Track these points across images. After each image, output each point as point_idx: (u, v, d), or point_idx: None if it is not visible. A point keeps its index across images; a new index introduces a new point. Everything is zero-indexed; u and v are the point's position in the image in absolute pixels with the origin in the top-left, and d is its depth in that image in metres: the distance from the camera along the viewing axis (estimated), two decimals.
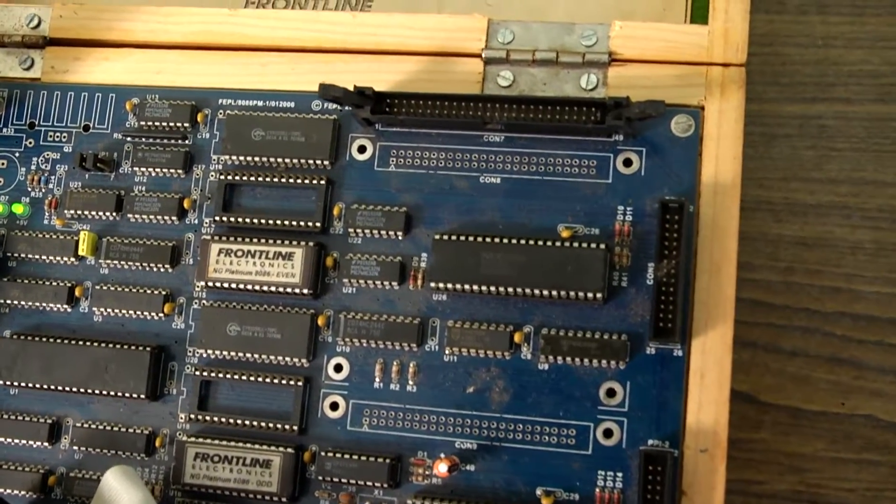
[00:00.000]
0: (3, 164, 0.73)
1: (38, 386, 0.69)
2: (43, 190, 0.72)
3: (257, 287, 0.66)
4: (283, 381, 0.66)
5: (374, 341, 0.65)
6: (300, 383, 0.65)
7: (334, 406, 0.66)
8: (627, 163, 0.65)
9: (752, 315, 0.73)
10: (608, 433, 0.63)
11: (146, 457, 0.67)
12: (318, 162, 0.67)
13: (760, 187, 0.75)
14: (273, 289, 0.66)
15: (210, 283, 0.67)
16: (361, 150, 0.68)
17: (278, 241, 0.67)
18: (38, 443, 0.68)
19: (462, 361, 0.64)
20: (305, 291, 0.66)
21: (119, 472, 0.63)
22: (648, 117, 0.62)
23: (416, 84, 0.68)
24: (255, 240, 0.67)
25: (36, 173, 0.72)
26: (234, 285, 0.67)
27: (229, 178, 0.68)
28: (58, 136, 0.72)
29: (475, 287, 0.64)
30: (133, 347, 0.67)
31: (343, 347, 0.66)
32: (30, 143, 0.73)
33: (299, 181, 0.67)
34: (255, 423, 0.66)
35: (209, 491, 0.65)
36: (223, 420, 0.66)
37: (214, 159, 0.70)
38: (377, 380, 0.65)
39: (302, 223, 0.67)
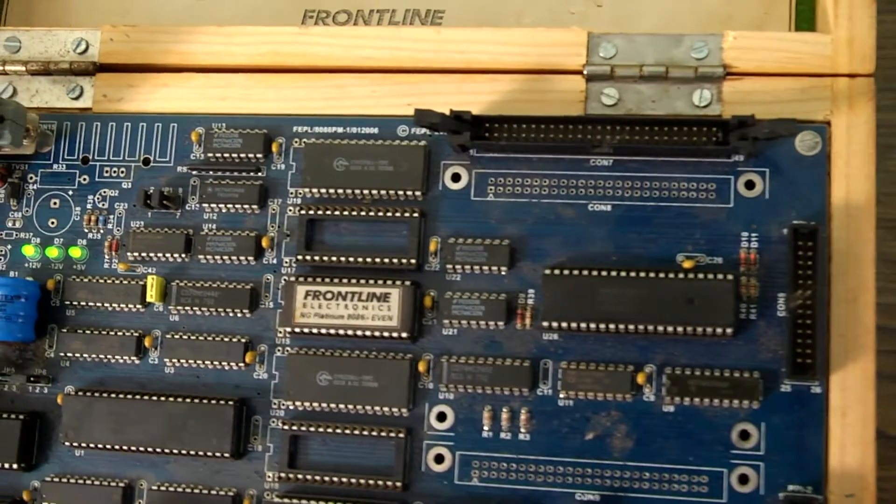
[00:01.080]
0: (55, 203, 0.69)
1: (107, 447, 0.65)
2: (101, 231, 0.69)
3: (350, 332, 0.64)
4: (383, 434, 0.63)
5: (480, 387, 0.63)
6: (401, 435, 0.63)
7: (439, 458, 0.63)
8: (750, 185, 0.62)
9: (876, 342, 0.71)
10: (744, 479, 0.60)
11: None
12: (410, 193, 0.65)
13: (878, 203, 0.72)
14: (368, 333, 0.63)
15: (297, 329, 0.64)
16: (455, 178, 0.65)
17: (371, 281, 0.64)
18: None
19: (579, 406, 0.62)
20: (404, 335, 0.63)
21: None
22: (778, 137, 0.59)
23: (511, 105, 0.65)
24: (344, 280, 0.64)
25: (93, 213, 0.69)
26: (323, 330, 0.64)
27: (311, 212, 0.65)
28: (115, 172, 0.69)
29: (592, 325, 0.61)
30: (213, 401, 0.64)
31: (446, 394, 0.63)
32: (84, 179, 0.69)
33: (389, 214, 0.65)
34: (352, 481, 0.63)
35: None
36: (316, 478, 0.63)
37: (292, 192, 0.67)
38: (486, 428, 0.63)
39: (395, 260, 0.64)
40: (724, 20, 0.70)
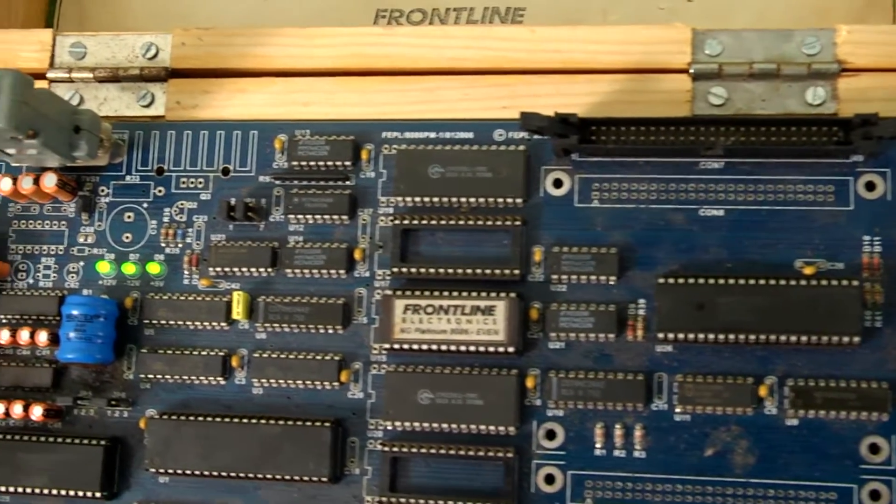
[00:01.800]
0: (129, 217, 0.68)
1: (195, 472, 0.64)
2: (180, 245, 0.67)
3: (453, 347, 0.62)
4: (490, 453, 0.62)
5: (591, 402, 0.61)
6: (510, 455, 0.61)
7: (550, 479, 0.62)
8: (870, 186, 0.61)
9: None
10: (875, 496, 0.59)
11: None
12: (510, 200, 0.63)
13: None
14: (472, 348, 0.62)
15: (395, 346, 0.63)
16: (557, 184, 0.64)
17: (473, 294, 0.62)
18: None
19: (697, 421, 0.61)
20: (511, 349, 0.62)
21: None
22: None
23: (612, 107, 0.64)
24: (444, 293, 0.63)
25: (170, 226, 0.67)
26: (424, 346, 0.62)
27: (405, 222, 0.64)
28: (192, 183, 0.68)
29: (709, 336, 0.60)
30: (308, 423, 0.63)
31: (555, 411, 0.62)
32: (159, 191, 0.68)
33: (489, 223, 0.63)
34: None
35: None
36: (419, 502, 0.62)
37: (383, 201, 0.65)
38: (598, 446, 0.62)
39: (497, 271, 0.63)
40: (821, 13, 0.70)
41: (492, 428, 0.62)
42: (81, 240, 0.68)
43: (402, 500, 0.62)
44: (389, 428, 0.63)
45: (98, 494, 0.64)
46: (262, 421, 0.63)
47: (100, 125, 0.66)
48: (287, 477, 0.63)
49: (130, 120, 0.69)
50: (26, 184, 0.67)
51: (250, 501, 0.64)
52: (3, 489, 0.65)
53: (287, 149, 0.66)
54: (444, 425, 0.62)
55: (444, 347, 0.62)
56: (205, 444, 0.64)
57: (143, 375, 0.66)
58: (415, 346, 0.63)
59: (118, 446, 0.66)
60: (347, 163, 0.65)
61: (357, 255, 0.64)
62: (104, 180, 0.68)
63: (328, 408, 0.64)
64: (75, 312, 0.65)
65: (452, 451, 0.62)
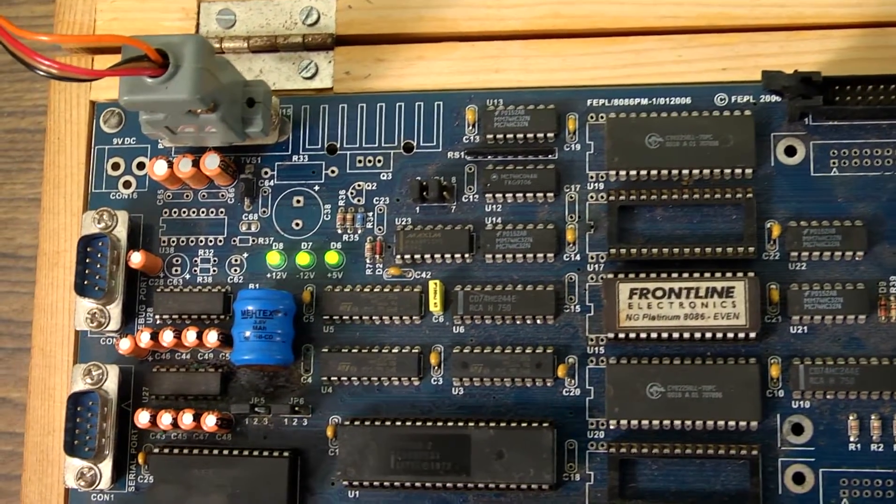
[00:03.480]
0: (298, 201, 0.66)
1: (394, 485, 0.62)
2: (360, 231, 0.65)
3: (686, 334, 0.60)
4: (731, 452, 0.60)
5: (843, 391, 0.60)
6: (754, 452, 0.59)
7: (799, 478, 0.60)
8: None
9: None
10: None
11: None
12: (739, 171, 0.62)
13: None
14: (707, 335, 0.60)
15: (621, 335, 0.61)
16: (790, 152, 0.63)
17: (707, 275, 0.60)
18: None
19: None
20: (752, 335, 0.60)
21: None
22: None
23: (847, 65, 0.63)
24: (674, 275, 0.61)
25: (347, 210, 0.65)
26: (653, 334, 0.60)
27: (621, 198, 0.62)
28: (370, 161, 0.65)
29: None
30: (525, 424, 0.61)
31: (801, 402, 0.61)
32: (332, 171, 0.66)
33: (717, 196, 0.61)
34: None
35: None
36: None
37: (591, 176, 0.64)
38: (852, 440, 0.60)
39: (728, 250, 0.61)
40: None
41: (731, 423, 0.60)
42: (244, 228, 0.66)
43: None
44: (613, 427, 0.61)
45: None
46: (471, 424, 0.61)
47: (271, 98, 0.63)
48: (503, 485, 0.60)
49: (295, 94, 0.67)
50: (184, 167, 0.64)
51: None
52: None
53: (480, 121, 0.64)
54: (678, 422, 0.61)
55: (675, 335, 0.60)
56: (403, 452, 0.61)
57: (324, 378, 0.63)
58: (642, 335, 0.60)
59: (297, 458, 0.63)
60: (550, 134, 0.63)
61: (569, 235, 0.62)
62: (267, 161, 0.66)
63: (540, 408, 0.62)
64: (251, 308, 0.62)
65: (689, 451, 0.60)
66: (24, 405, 0.67)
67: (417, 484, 0.62)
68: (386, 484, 0.62)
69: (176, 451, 0.63)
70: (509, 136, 0.64)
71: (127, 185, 0.67)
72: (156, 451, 0.64)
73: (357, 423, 0.62)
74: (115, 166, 0.68)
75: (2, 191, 0.80)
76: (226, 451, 0.63)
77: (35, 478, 0.66)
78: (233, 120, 0.62)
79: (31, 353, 0.67)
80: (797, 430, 0.61)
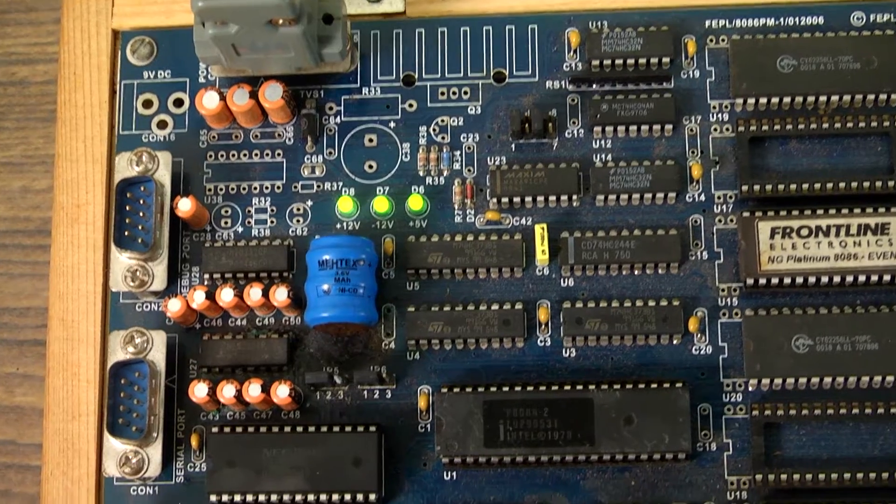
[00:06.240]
0: (371, 140, 0.65)
1: (502, 461, 0.60)
2: (446, 172, 0.65)
3: (837, 278, 0.60)
4: (890, 411, 0.60)
5: None
6: None
7: None
8: None
9: None
10: None
11: None
12: (884, 96, 0.62)
13: None
14: (861, 278, 0.60)
15: (762, 280, 0.60)
16: None
17: (857, 211, 0.61)
18: None
19: None
20: None
21: None
22: None
23: None
24: (819, 211, 0.61)
25: (429, 149, 0.65)
26: (799, 279, 0.60)
27: (751, 129, 0.62)
28: (455, 94, 0.65)
29: None
30: (656, 386, 0.60)
31: None
32: (410, 105, 0.65)
33: (860, 125, 0.62)
34: (846, 476, 0.60)
35: None
36: (804, 478, 0.60)
37: (714, 106, 0.64)
38: None
39: (876, 184, 0.62)
40: None
41: (890, 378, 0.61)
42: (306, 173, 0.65)
43: (783, 476, 0.59)
44: (753, 388, 0.60)
45: (372, 497, 0.59)
46: (591, 387, 0.60)
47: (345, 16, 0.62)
48: (631, 456, 0.60)
49: (362, 19, 0.66)
50: (240, 98, 0.63)
51: (577, 497, 0.61)
52: (251, 498, 0.60)
53: (584, 45, 0.64)
54: (828, 379, 0.61)
55: (824, 279, 0.60)
56: (515, 421, 0.60)
57: (411, 342, 0.62)
58: (786, 280, 0.60)
59: (382, 435, 0.61)
60: (666, 59, 0.63)
61: (695, 171, 0.62)
62: (331, 95, 0.66)
63: (667, 369, 0.61)
64: (329, 257, 0.60)
65: (842, 411, 0.61)
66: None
67: (531, 459, 0.60)
68: (494, 460, 0.60)
69: (238, 429, 0.61)
70: (618, 61, 0.64)
71: (162, 125, 0.66)
72: (214, 430, 0.61)
73: (454, 391, 0.61)
74: (147, 104, 0.66)
75: None
76: (298, 429, 0.61)
77: (59, 471, 0.63)
78: (310, 37, 0.60)
79: (49, 324, 0.64)
80: None
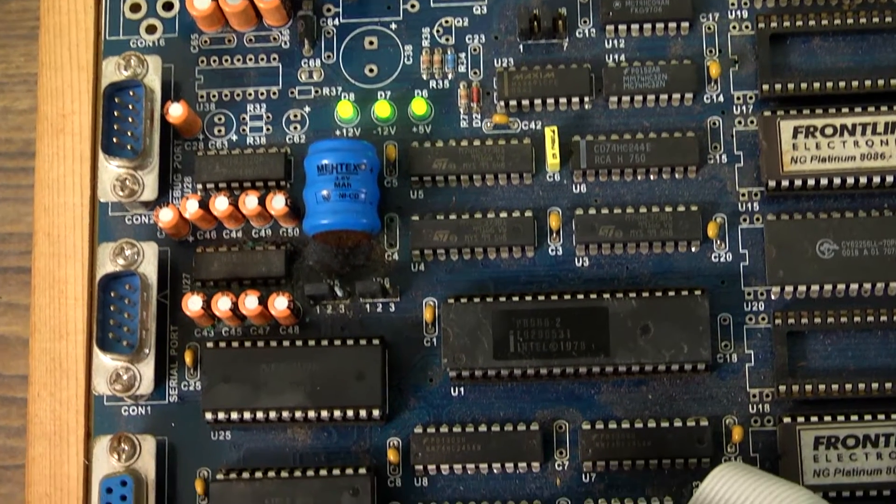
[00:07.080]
0: (371, 43, 0.63)
1: (512, 374, 0.59)
2: (450, 75, 0.63)
3: (863, 179, 0.58)
4: None
5: None
6: None
7: None
8: None
9: None
10: None
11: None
12: None
13: None
14: (889, 179, 0.58)
15: (785, 182, 0.58)
16: None
17: (884, 109, 0.59)
18: (528, 464, 0.59)
19: None
20: None
21: (729, 471, 0.53)
22: None
23: None
24: (844, 110, 0.59)
25: (433, 52, 0.63)
26: (823, 180, 0.58)
27: (772, 25, 0.60)
28: None
29: None
30: (674, 294, 0.58)
31: None
32: (412, 6, 0.64)
33: (888, 20, 0.61)
34: (874, 386, 0.58)
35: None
36: (830, 387, 0.58)
37: (733, 2, 0.62)
38: None
39: (892, 81, 0.60)
40: None
41: None
42: (303, 77, 0.64)
43: (808, 387, 0.57)
44: (775, 297, 0.58)
45: (376, 413, 0.57)
46: (605, 295, 0.58)
47: None
48: (648, 367, 0.57)
49: None
50: None
51: (593, 411, 0.59)
52: (248, 415, 0.58)
53: None
54: (854, 285, 0.59)
55: (849, 181, 0.58)
56: (526, 332, 0.58)
57: (415, 252, 0.60)
58: (810, 181, 0.58)
59: (385, 349, 0.59)
60: None
61: (713, 70, 0.60)
62: None
63: (684, 277, 0.60)
64: (328, 162, 0.58)
65: (870, 319, 0.59)
66: None
67: (543, 371, 0.58)
68: (503, 373, 0.58)
69: (234, 345, 0.59)
70: None
71: (151, 29, 0.64)
72: (209, 346, 0.59)
73: (464, 300, 0.58)
74: (135, 7, 0.64)
75: None
76: (298, 343, 0.59)
77: (46, 392, 0.61)
78: None
79: (34, 240, 0.62)
80: None
